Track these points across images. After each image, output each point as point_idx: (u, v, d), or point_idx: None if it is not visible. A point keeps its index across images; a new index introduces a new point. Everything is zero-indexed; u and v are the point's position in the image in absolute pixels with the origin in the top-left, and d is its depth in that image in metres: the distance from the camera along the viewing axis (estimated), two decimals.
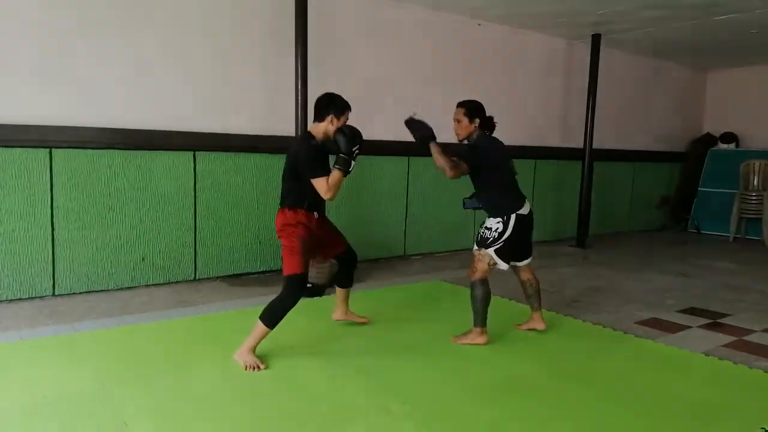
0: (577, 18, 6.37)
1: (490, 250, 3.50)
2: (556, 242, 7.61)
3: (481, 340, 3.53)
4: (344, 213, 5.76)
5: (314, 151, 3.18)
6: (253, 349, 3.15)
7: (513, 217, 3.49)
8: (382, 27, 5.86)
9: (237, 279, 5.10)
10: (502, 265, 3.53)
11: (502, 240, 3.48)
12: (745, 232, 8.40)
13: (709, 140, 9.31)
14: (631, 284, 5.36)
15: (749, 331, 4.00)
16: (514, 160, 3.76)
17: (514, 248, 3.56)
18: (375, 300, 4.56)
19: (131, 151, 4.58)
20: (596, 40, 7.06)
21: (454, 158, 3.48)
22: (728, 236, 8.32)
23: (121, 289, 4.62)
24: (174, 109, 4.73)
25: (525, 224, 3.55)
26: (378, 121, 5.83)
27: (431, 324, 3.98)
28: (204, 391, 2.83)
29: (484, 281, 3.53)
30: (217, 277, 5.08)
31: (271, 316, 3.14)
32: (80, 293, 4.46)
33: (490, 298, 3.55)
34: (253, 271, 5.27)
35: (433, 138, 3.50)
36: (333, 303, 4.12)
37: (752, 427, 2.56)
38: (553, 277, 5.59)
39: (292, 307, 3.15)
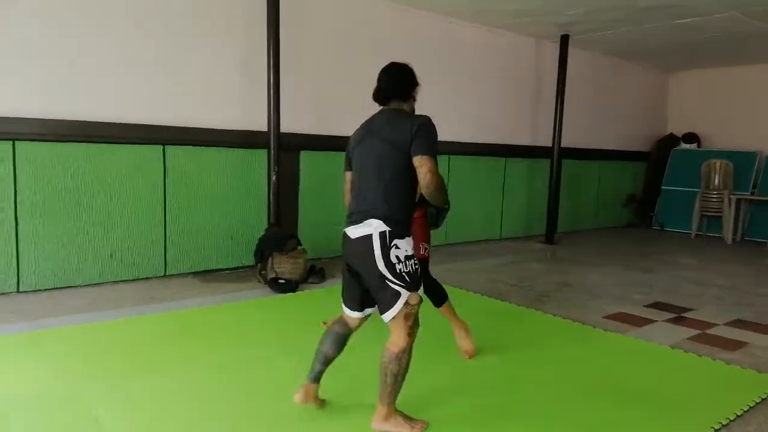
0: (546, 18, 6.47)
1: None
2: (525, 239, 7.72)
3: None
4: (314, 210, 5.74)
5: None
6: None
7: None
8: (355, 23, 5.85)
9: (209, 275, 5.03)
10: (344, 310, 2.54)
11: None
12: (706, 229, 8.68)
13: (672, 140, 9.59)
14: (599, 279, 5.48)
15: (712, 325, 4.14)
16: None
17: (343, 284, 2.51)
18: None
19: (98, 144, 4.47)
20: (564, 40, 7.19)
21: None
22: (690, 233, 8.58)
23: (89, 285, 4.51)
24: (143, 102, 4.63)
25: (345, 251, 2.42)
26: (348, 117, 5.82)
27: None
28: (175, 387, 2.79)
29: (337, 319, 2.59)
30: (189, 273, 5.00)
31: None
32: (46, 290, 4.34)
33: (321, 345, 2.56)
34: (225, 267, 5.21)
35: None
36: (308, 299, 4.11)
37: (717, 417, 2.65)
38: (522, 272, 5.69)
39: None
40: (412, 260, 2.31)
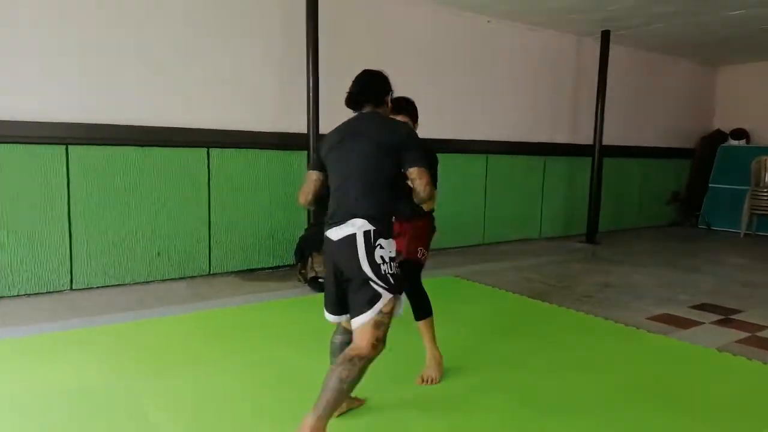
0: (586, 14, 6.37)
1: None
2: (565, 238, 7.61)
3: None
4: None
5: None
6: None
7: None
8: (393, 24, 5.88)
9: (251, 274, 5.15)
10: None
11: None
12: (756, 228, 8.38)
13: (719, 136, 9.29)
14: (642, 280, 5.37)
15: (762, 327, 4.00)
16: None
17: (326, 289, 2.42)
18: None
19: (146, 148, 4.63)
20: (606, 36, 7.06)
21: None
22: (739, 232, 8.31)
23: (138, 283, 4.68)
24: (187, 106, 4.77)
25: (329, 255, 2.33)
26: None
27: (444, 323, 4.00)
28: (220, 382, 2.87)
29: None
30: (231, 272, 5.12)
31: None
32: (97, 288, 4.52)
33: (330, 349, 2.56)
34: (267, 266, 5.31)
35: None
36: None
37: None
38: (562, 272, 5.62)
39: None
40: (395, 262, 2.26)
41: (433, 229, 3.11)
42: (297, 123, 5.21)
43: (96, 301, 4.19)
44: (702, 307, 4.52)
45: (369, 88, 2.41)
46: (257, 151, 5.15)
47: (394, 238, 2.33)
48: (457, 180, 6.48)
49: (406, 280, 2.96)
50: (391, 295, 2.19)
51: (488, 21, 6.58)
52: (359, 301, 2.19)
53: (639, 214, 8.86)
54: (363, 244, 2.19)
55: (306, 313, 4.11)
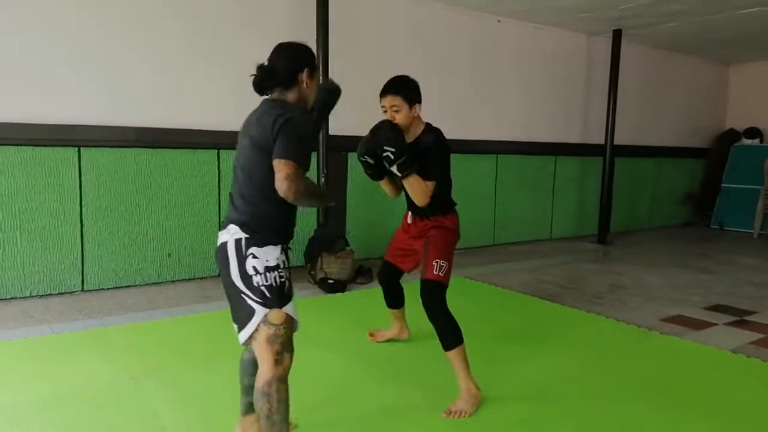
0: (598, 13, 6.33)
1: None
2: (576, 238, 7.57)
3: None
4: (362, 211, 5.79)
5: None
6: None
7: None
8: (402, 24, 5.87)
9: None
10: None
11: None
12: None
13: (732, 135, 9.19)
14: (655, 281, 5.32)
15: None
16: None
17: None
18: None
19: (157, 150, 4.65)
20: (617, 35, 7.01)
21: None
22: (752, 233, 8.21)
23: (148, 284, 4.70)
24: (198, 107, 4.79)
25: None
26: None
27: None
28: (229, 383, 2.87)
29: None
30: None
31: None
32: (108, 289, 4.55)
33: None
34: None
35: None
36: (356, 299, 4.12)
37: None
38: (574, 273, 5.58)
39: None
40: (276, 272, 1.98)
41: (455, 233, 3.04)
42: None
43: (107, 302, 4.22)
44: (715, 308, 4.47)
45: (274, 68, 2.08)
46: None
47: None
48: (466, 181, 6.45)
49: (427, 306, 2.71)
50: (266, 310, 1.94)
51: (498, 20, 6.56)
52: (239, 317, 1.99)
53: (651, 215, 8.79)
54: (234, 253, 1.98)
55: (316, 313, 4.11)
